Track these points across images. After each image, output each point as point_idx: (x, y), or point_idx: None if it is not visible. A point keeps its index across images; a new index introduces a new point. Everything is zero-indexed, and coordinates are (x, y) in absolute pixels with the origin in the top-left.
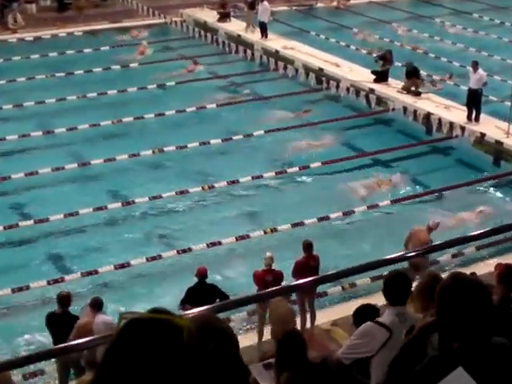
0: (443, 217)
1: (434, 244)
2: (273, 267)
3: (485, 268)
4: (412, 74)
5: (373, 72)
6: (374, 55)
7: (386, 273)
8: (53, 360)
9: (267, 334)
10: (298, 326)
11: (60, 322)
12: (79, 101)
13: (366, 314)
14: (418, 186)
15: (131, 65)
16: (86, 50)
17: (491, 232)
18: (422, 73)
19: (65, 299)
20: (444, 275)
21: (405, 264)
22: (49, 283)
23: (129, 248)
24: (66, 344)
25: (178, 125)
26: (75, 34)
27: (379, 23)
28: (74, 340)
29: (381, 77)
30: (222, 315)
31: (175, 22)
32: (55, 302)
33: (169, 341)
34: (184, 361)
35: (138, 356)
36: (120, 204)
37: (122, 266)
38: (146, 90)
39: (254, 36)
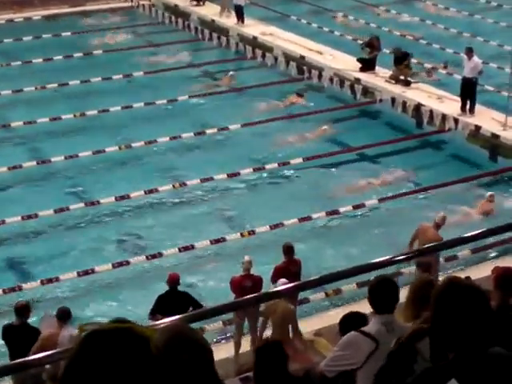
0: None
1: (425, 246)
2: (251, 272)
3: (481, 272)
4: (401, 61)
5: (359, 60)
6: (360, 42)
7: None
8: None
9: (245, 346)
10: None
11: (18, 335)
12: (38, 92)
13: (353, 322)
14: (407, 184)
15: (94, 52)
16: (45, 36)
17: (488, 233)
18: (414, 61)
19: (23, 310)
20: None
21: (389, 270)
22: (4, 292)
23: (93, 253)
24: (24, 359)
25: (147, 118)
26: (33, 19)
27: (366, 7)
28: (37, 353)
29: (367, 65)
30: (195, 325)
31: (143, 5)
32: (13, 313)
33: (133, 352)
34: (151, 373)
35: (101, 369)
36: (83, 204)
37: (86, 273)
38: (111, 81)
39: (230, 21)
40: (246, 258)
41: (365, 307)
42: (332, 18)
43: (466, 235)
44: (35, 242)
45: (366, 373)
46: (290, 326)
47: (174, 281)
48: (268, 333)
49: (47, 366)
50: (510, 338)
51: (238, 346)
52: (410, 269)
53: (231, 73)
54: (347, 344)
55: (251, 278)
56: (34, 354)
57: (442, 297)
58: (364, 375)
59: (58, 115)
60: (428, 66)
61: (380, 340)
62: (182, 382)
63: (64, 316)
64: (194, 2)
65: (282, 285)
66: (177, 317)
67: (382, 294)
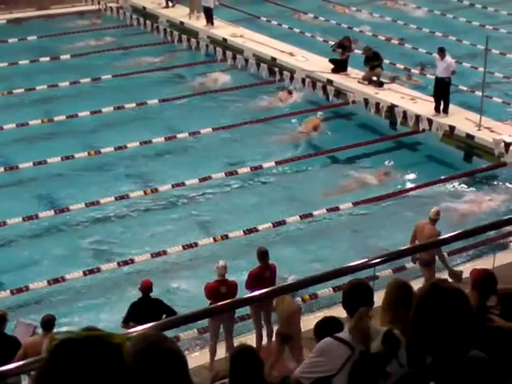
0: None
1: (401, 249)
2: (226, 277)
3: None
4: (373, 61)
5: (331, 61)
6: (331, 43)
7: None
8: None
9: (220, 353)
10: (254, 343)
11: None
12: (4, 97)
13: (328, 327)
14: (382, 186)
15: (62, 57)
16: (11, 40)
17: (463, 235)
18: (388, 63)
19: (0, 320)
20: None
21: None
22: None
23: (63, 261)
24: (2, 368)
25: (116, 123)
26: None
27: (339, 8)
28: (20, 361)
29: (339, 66)
30: (169, 333)
31: (110, 8)
32: None
33: (105, 360)
34: (124, 381)
35: (73, 377)
36: (53, 212)
37: (57, 281)
38: (79, 85)
39: (199, 23)
40: (221, 263)
41: (341, 312)
42: (296, 17)
43: (440, 238)
44: (4, 250)
45: (342, 379)
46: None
47: (146, 288)
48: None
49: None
50: (486, 340)
51: (213, 352)
52: (385, 272)
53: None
54: (322, 350)
55: (226, 284)
56: (18, 361)
57: (424, 300)
58: (340, 382)
59: (25, 121)
60: (407, 68)
61: (355, 346)
62: None
63: (48, 324)
64: (163, 5)
65: None
66: (150, 324)
67: (356, 298)
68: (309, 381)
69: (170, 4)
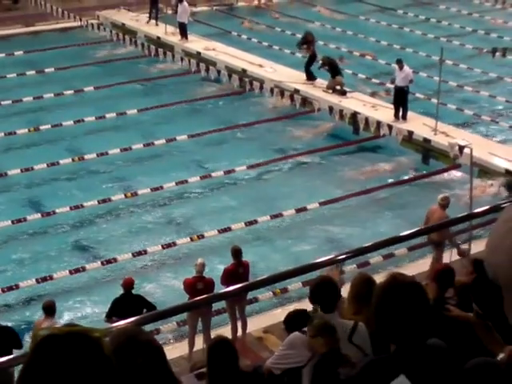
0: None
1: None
2: (204, 274)
3: (417, 268)
4: (334, 71)
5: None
6: (296, 43)
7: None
8: None
9: (198, 344)
10: (229, 335)
11: None
12: None
13: (298, 320)
14: (347, 187)
15: (46, 70)
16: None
17: (420, 232)
18: (350, 72)
19: None
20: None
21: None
22: None
23: (51, 261)
24: None
25: (98, 131)
26: None
27: (304, 22)
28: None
29: (310, 75)
30: (149, 326)
31: (92, 24)
32: None
33: (88, 354)
34: (107, 374)
35: (57, 372)
36: (40, 215)
37: (45, 280)
38: (63, 96)
39: (174, 38)
40: (199, 260)
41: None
42: (240, 23)
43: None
44: None
45: (310, 370)
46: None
47: (128, 284)
48: None
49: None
50: (444, 328)
51: (191, 344)
52: (351, 267)
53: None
54: (291, 344)
55: (203, 281)
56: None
57: (383, 292)
58: (309, 372)
59: (13, 130)
60: (382, 83)
61: None
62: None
63: (49, 309)
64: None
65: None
66: (131, 319)
67: (322, 294)
68: (279, 371)
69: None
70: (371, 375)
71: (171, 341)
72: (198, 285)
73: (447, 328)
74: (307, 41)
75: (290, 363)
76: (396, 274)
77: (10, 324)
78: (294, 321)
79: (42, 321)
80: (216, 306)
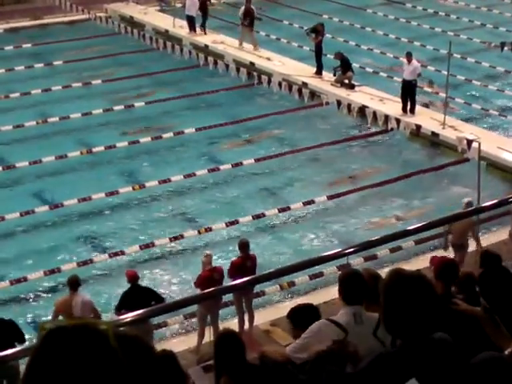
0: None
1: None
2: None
3: (425, 262)
4: (344, 65)
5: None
6: (305, 28)
7: (325, 270)
8: None
9: (207, 336)
10: (236, 328)
11: None
12: (1, 101)
13: (306, 314)
14: (354, 181)
15: (55, 63)
16: (7, 48)
17: (427, 226)
18: (357, 66)
19: None
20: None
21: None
22: None
23: (59, 253)
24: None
25: (106, 124)
26: None
27: (312, 16)
28: (55, 318)
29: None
30: (157, 318)
31: (100, 17)
32: None
33: (95, 347)
34: (113, 366)
35: (64, 365)
36: (48, 207)
37: (53, 272)
38: (71, 89)
39: (183, 31)
40: (208, 252)
41: (318, 298)
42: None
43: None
44: (3, 243)
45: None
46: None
47: (132, 277)
48: None
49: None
50: (451, 323)
51: (201, 337)
52: (358, 260)
53: None
54: (317, 331)
55: (216, 270)
56: (53, 319)
57: (388, 288)
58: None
59: (21, 123)
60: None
61: (349, 330)
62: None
63: (74, 284)
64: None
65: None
66: (140, 311)
67: (351, 285)
68: (300, 361)
69: (200, 31)
70: (378, 369)
71: (178, 333)
72: (215, 275)
73: (454, 322)
74: (317, 30)
75: (312, 353)
76: (398, 268)
77: (16, 317)
78: (304, 315)
79: (67, 297)
80: (223, 298)
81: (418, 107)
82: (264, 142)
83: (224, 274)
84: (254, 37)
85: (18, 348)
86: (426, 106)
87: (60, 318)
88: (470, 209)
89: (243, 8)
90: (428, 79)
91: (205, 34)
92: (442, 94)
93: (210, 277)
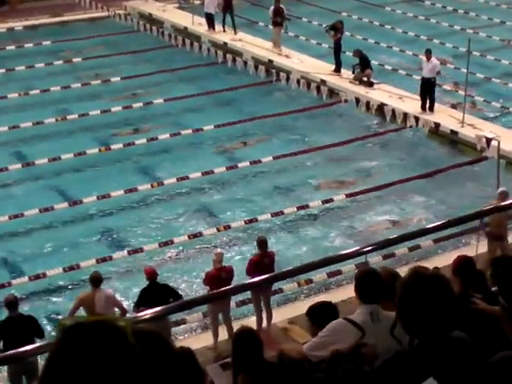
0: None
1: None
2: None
3: (443, 261)
4: (362, 63)
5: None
6: (324, 25)
7: (343, 268)
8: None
9: (222, 334)
10: (254, 326)
11: (18, 325)
12: (21, 98)
13: (324, 312)
14: (372, 179)
15: (74, 60)
16: (27, 45)
17: (446, 224)
18: (376, 63)
19: (16, 302)
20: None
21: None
22: None
23: (77, 250)
24: (14, 351)
25: (125, 121)
26: (15, 29)
27: (331, 13)
28: (74, 312)
29: (339, 65)
30: (175, 315)
31: (119, 14)
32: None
33: (114, 343)
34: (132, 363)
35: (83, 361)
36: (67, 204)
37: (72, 269)
38: (90, 86)
39: (201, 28)
40: (218, 250)
41: (336, 296)
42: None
43: (426, 227)
44: (22, 240)
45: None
46: None
47: (151, 274)
48: None
49: None
50: (470, 321)
51: (216, 335)
52: (376, 259)
53: None
54: (334, 330)
55: (224, 270)
56: (72, 313)
57: (406, 287)
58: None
59: (40, 119)
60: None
61: (366, 329)
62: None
63: (97, 280)
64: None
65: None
66: (158, 308)
67: (368, 284)
68: (317, 359)
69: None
70: (395, 368)
71: (196, 330)
72: (222, 274)
73: (472, 321)
74: (336, 28)
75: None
76: (418, 267)
77: (35, 313)
78: (322, 313)
79: (89, 293)
80: (240, 296)
81: (436, 105)
82: (282, 140)
83: (233, 273)
84: (278, 36)
85: (37, 344)
86: (454, 107)
87: (80, 313)
88: (490, 206)
89: (272, 7)
90: (471, 100)
91: (235, 33)
92: (461, 92)
93: (217, 276)
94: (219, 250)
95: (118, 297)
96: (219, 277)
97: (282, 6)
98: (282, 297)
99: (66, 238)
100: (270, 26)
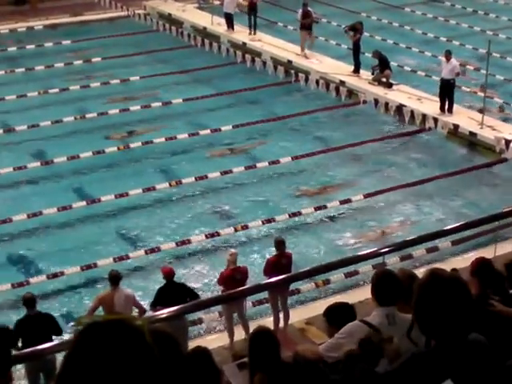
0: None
1: (406, 239)
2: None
3: (461, 262)
4: (382, 64)
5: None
6: (343, 26)
7: (360, 269)
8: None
9: (238, 334)
10: (271, 326)
11: (36, 323)
12: (41, 97)
13: (341, 312)
14: (391, 180)
15: (93, 59)
16: (47, 44)
17: (464, 226)
18: (395, 64)
19: (34, 300)
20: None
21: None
22: (13, 286)
23: (95, 248)
24: (32, 348)
25: (144, 120)
26: (35, 29)
27: (350, 14)
28: (93, 311)
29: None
30: (192, 315)
31: (138, 14)
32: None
33: (131, 342)
34: (149, 362)
35: (100, 360)
36: (85, 203)
37: (89, 267)
38: (109, 86)
39: (221, 28)
40: (233, 250)
41: (353, 297)
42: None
43: (443, 229)
44: (40, 238)
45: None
46: None
47: (168, 274)
48: None
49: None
50: (487, 324)
51: (231, 334)
52: (393, 260)
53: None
54: (350, 332)
55: (239, 270)
56: (92, 312)
57: (424, 288)
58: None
59: (59, 118)
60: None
61: (382, 331)
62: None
63: (116, 279)
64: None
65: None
66: (175, 307)
67: (384, 286)
68: (332, 360)
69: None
70: (411, 370)
71: (212, 330)
72: (237, 275)
73: (490, 323)
74: (355, 28)
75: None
76: (436, 269)
77: (53, 311)
78: (339, 314)
79: (109, 292)
80: (257, 296)
81: (455, 106)
82: (300, 140)
83: (248, 274)
84: (305, 40)
85: (55, 342)
86: (481, 111)
87: (99, 312)
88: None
89: (300, 11)
90: (499, 105)
91: (254, 34)
92: (481, 94)
93: (231, 276)
94: (233, 250)
95: (136, 295)
96: (234, 277)
97: (309, 8)
98: (299, 297)
99: (84, 237)
100: (290, 27)
